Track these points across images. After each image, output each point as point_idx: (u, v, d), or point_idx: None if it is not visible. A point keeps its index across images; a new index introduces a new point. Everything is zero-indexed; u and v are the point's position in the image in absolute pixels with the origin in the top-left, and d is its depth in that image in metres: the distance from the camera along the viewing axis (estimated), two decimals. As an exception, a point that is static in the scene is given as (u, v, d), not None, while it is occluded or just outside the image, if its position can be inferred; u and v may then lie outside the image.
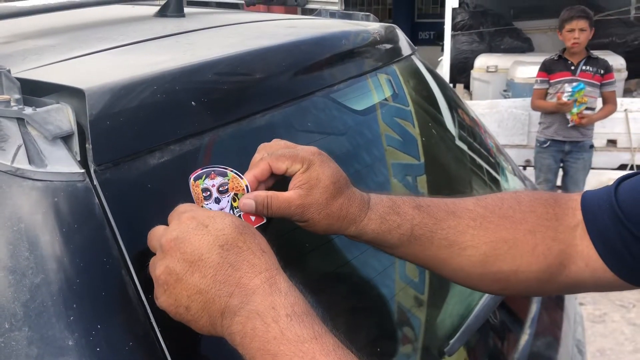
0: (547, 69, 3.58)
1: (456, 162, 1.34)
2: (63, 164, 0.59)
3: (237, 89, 0.77)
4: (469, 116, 1.56)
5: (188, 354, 0.60)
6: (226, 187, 0.66)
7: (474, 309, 0.87)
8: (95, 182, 0.59)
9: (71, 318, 0.52)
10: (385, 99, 1.17)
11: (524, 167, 4.17)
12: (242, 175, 0.66)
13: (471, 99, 4.82)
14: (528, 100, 4.08)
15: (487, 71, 4.86)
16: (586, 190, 0.75)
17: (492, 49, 5.21)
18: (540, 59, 4.78)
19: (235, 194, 0.67)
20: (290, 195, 0.64)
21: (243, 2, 1.54)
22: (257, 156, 0.68)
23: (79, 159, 0.60)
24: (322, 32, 1.05)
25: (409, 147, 1.19)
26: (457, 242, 0.70)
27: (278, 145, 0.68)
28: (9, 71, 0.61)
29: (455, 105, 1.53)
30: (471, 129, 1.50)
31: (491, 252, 0.70)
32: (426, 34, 13.42)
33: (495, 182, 1.48)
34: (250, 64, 0.80)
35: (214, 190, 0.65)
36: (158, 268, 0.53)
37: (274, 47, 0.88)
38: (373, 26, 1.25)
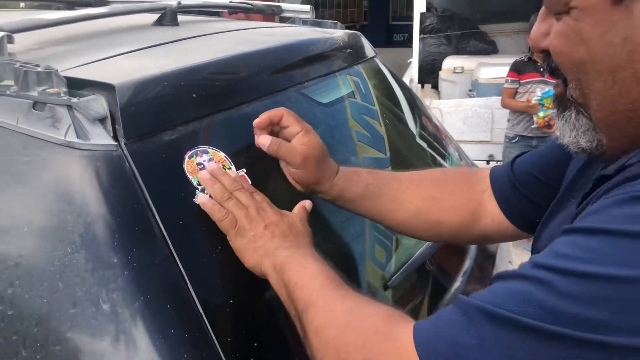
0: (517, 69, 3.84)
1: (417, 156, 1.56)
2: (101, 138, 0.80)
3: (226, 84, 0.98)
4: (426, 113, 1.80)
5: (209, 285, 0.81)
6: (212, 160, 0.88)
7: (413, 255, 1.10)
8: (125, 151, 0.80)
9: (114, 244, 0.73)
10: (353, 95, 1.39)
11: (487, 162, 4.44)
12: (217, 149, 0.89)
13: (439, 98, 5.09)
14: (492, 99, 4.36)
15: (454, 72, 5.13)
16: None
17: (458, 51, 5.49)
18: (504, 60, 5.07)
19: (223, 165, 0.89)
20: (295, 145, 0.88)
21: (226, 10, 1.76)
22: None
23: (112, 135, 0.81)
24: (295, 39, 1.28)
25: (377, 143, 1.41)
26: (399, 199, 0.93)
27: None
28: (57, 71, 0.82)
29: (414, 104, 1.76)
30: (427, 125, 1.73)
31: (422, 206, 0.94)
32: (400, 36, 13.72)
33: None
34: (236, 65, 1.02)
35: (205, 164, 0.87)
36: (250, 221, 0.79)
37: (255, 51, 1.10)
38: (339, 33, 1.48)
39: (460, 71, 5.11)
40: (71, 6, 1.91)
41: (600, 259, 0.47)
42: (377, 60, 1.64)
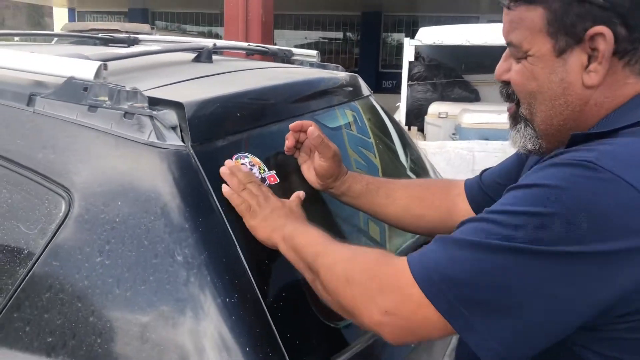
0: None
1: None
2: (174, 141, 1.09)
3: (260, 108, 1.29)
4: (415, 148, 2.11)
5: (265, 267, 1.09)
6: (252, 163, 1.18)
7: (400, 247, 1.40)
8: (191, 151, 1.09)
9: (186, 215, 1.02)
10: (350, 127, 1.69)
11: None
12: (254, 155, 1.18)
13: (425, 140, 5.45)
14: (473, 142, 4.70)
15: (439, 117, 5.51)
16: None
17: (444, 98, 5.89)
18: (485, 108, 5.46)
19: (259, 167, 1.18)
20: (328, 142, 1.17)
21: (244, 52, 2.08)
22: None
23: (181, 139, 1.10)
24: (308, 76, 1.59)
25: (372, 172, 1.68)
26: (392, 196, 1.22)
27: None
28: (141, 91, 1.12)
29: (404, 139, 2.06)
30: (416, 159, 2.02)
31: (410, 203, 1.22)
32: (389, 82, 14.25)
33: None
34: (267, 94, 1.33)
35: (247, 164, 1.17)
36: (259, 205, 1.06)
37: (280, 84, 1.41)
38: (341, 74, 1.80)
39: (444, 116, 5.49)
40: (105, 42, 2.22)
41: (523, 202, 0.74)
42: (372, 99, 1.95)
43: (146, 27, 6.74)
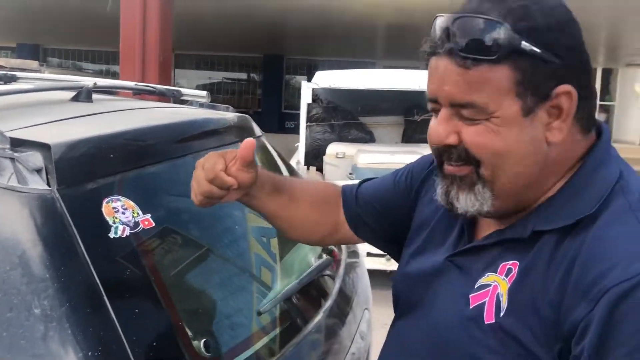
0: None
1: None
2: (38, 184, 1.03)
3: (136, 149, 1.25)
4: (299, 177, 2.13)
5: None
6: (125, 207, 1.13)
7: (282, 290, 1.38)
8: (57, 195, 1.03)
9: (47, 263, 0.95)
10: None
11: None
12: (127, 198, 1.13)
13: (323, 179, 5.54)
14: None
15: (337, 157, 5.63)
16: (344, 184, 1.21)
17: (341, 139, 6.05)
18: (380, 148, 5.67)
19: (133, 211, 1.14)
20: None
21: (131, 91, 2.03)
22: (198, 169, 0.97)
23: (47, 182, 1.04)
24: (192, 117, 1.57)
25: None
26: (295, 196, 1.11)
27: (212, 155, 0.97)
28: (1, 131, 1.05)
29: (292, 170, 2.08)
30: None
31: (306, 209, 1.12)
32: (292, 123, 14.45)
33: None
34: (146, 135, 1.29)
35: (120, 208, 1.12)
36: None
37: (160, 125, 1.38)
38: (230, 115, 1.79)
39: (342, 156, 5.63)
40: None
41: None
42: (264, 140, 1.96)
43: (34, 63, 6.41)
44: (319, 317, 1.46)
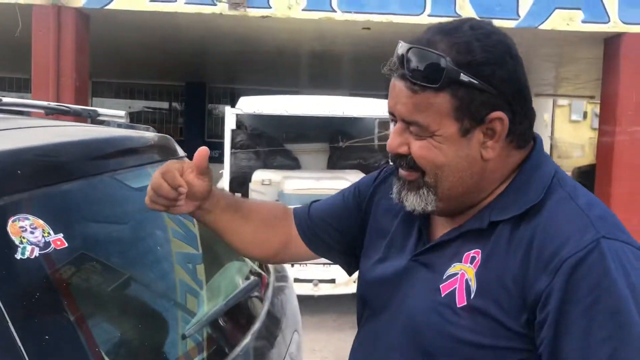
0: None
1: (226, 253, 1.76)
2: None
3: (48, 166, 1.16)
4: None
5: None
6: (34, 226, 1.05)
7: (208, 313, 1.32)
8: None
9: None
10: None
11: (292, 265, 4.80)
12: (36, 217, 1.04)
13: (249, 207, 5.46)
14: (290, 207, 4.80)
15: (263, 184, 5.58)
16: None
17: (266, 166, 6.01)
18: (305, 175, 5.68)
19: (43, 230, 1.06)
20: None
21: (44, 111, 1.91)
22: (157, 174, 1.01)
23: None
24: (108, 134, 1.50)
25: (190, 240, 1.60)
26: (248, 214, 1.15)
27: (172, 163, 1.03)
28: None
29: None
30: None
31: (259, 226, 1.16)
32: (215, 152, 14.24)
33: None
34: (57, 151, 1.21)
35: (28, 227, 1.03)
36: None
37: (72, 142, 1.30)
38: (150, 134, 1.72)
39: (268, 183, 5.58)
40: None
41: None
42: (187, 161, 1.89)
43: None
44: (247, 339, 1.41)
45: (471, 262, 0.91)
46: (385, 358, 0.98)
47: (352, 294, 5.06)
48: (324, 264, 4.85)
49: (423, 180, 0.93)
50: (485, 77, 0.86)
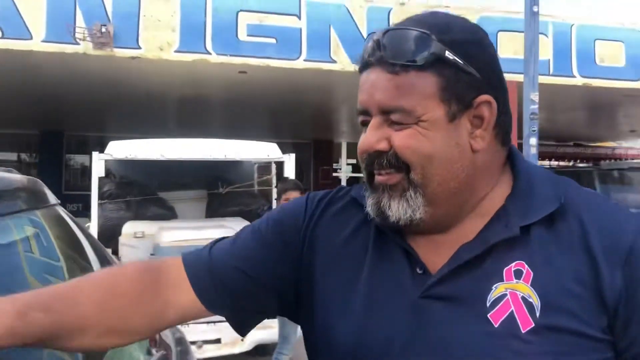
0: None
1: None
2: None
3: None
4: (115, 262, 1.74)
5: None
6: None
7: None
8: None
9: None
10: (30, 245, 1.25)
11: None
12: None
13: (120, 263, 4.93)
14: (165, 260, 4.41)
15: (135, 237, 5.09)
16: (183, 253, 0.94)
17: (138, 217, 5.52)
18: (183, 225, 5.29)
19: None
20: None
21: None
22: None
23: None
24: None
25: None
26: (84, 328, 0.82)
27: None
28: None
29: (101, 253, 1.68)
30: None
31: (112, 326, 0.84)
32: (74, 205, 13.14)
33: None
34: None
35: None
36: None
37: None
38: (15, 176, 1.37)
39: (141, 236, 5.10)
40: None
41: None
42: (60, 209, 1.55)
43: None
44: None
45: (517, 277, 0.79)
46: None
47: (239, 354, 4.68)
48: (207, 322, 4.47)
49: (408, 179, 0.82)
50: (469, 57, 0.82)
